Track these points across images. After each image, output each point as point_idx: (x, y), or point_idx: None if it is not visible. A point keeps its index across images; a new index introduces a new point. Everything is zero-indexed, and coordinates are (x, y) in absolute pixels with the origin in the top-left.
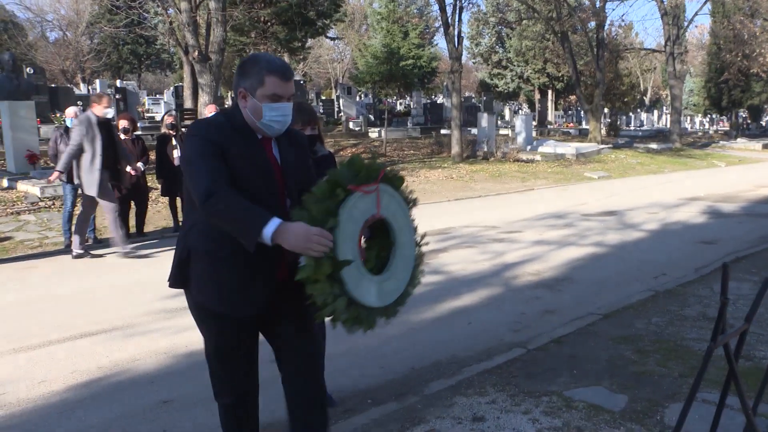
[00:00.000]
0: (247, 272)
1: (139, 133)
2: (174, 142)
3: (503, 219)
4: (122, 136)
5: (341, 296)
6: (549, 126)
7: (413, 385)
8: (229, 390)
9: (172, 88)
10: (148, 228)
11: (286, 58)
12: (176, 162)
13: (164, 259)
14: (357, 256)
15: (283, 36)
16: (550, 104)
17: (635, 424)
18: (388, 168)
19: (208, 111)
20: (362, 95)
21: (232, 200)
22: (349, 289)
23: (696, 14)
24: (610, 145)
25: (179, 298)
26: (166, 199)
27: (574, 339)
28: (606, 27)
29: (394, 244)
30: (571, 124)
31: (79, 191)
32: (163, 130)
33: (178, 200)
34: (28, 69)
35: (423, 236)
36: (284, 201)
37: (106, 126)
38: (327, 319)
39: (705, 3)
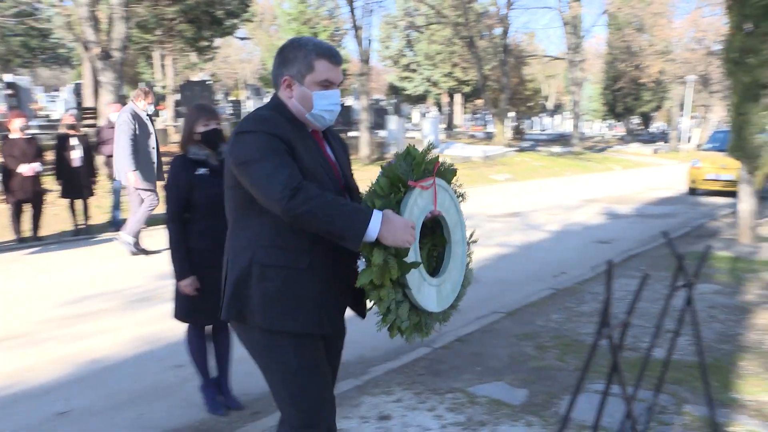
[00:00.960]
0: (330, 283)
1: (34, 132)
2: (73, 142)
3: None
4: (15, 135)
5: (403, 302)
6: (456, 129)
7: None
8: (322, 417)
9: (71, 85)
10: (45, 231)
11: (193, 57)
12: (76, 163)
13: (62, 264)
14: (419, 257)
15: (189, 35)
16: (458, 108)
17: (533, 416)
18: (441, 159)
19: (110, 110)
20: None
21: (323, 195)
22: (412, 294)
23: (594, 25)
24: (515, 148)
25: (79, 305)
26: (64, 202)
27: (478, 337)
28: (511, 34)
29: (448, 242)
30: (479, 128)
31: None
32: (62, 129)
33: (78, 203)
34: None
35: (473, 233)
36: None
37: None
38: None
39: (600, 15)
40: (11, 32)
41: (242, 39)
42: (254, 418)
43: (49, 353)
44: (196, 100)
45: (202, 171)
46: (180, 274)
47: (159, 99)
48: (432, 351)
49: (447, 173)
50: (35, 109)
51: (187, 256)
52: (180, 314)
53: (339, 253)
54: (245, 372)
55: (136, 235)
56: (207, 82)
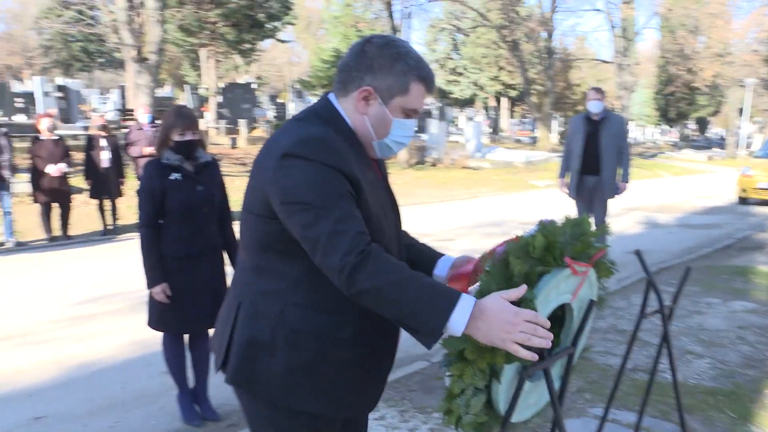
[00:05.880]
0: (375, 355)
1: (63, 132)
2: (103, 143)
3: (441, 226)
4: (44, 136)
5: (482, 393)
6: (502, 133)
7: None
8: None
9: (119, 88)
10: (75, 231)
11: (238, 60)
12: (104, 164)
13: (84, 264)
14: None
15: (231, 38)
16: (504, 112)
17: None
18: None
19: (138, 114)
20: (317, 98)
21: (400, 270)
22: (498, 390)
23: (643, 27)
24: (560, 154)
25: (88, 306)
26: (96, 202)
27: None
28: (557, 37)
29: (559, 344)
30: (526, 132)
31: (11, 191)
32: (92, 131)
33: (107, 203)
34: None
35: (587, 349)
36: (398, 239)
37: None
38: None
39: (651, 18)
40: (73, 38)
41: (283, 42)
42: (230, 430)
43: (44, 355)
44: (238, 102)
45: (175, 176)
46: (151, 280)
47: (202, 101)
48: (429, 366)
49: (603, 269)
50: (85, 111)
51: (159, 263)
52: (153, 322)
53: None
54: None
55: None
56: (251, 85)
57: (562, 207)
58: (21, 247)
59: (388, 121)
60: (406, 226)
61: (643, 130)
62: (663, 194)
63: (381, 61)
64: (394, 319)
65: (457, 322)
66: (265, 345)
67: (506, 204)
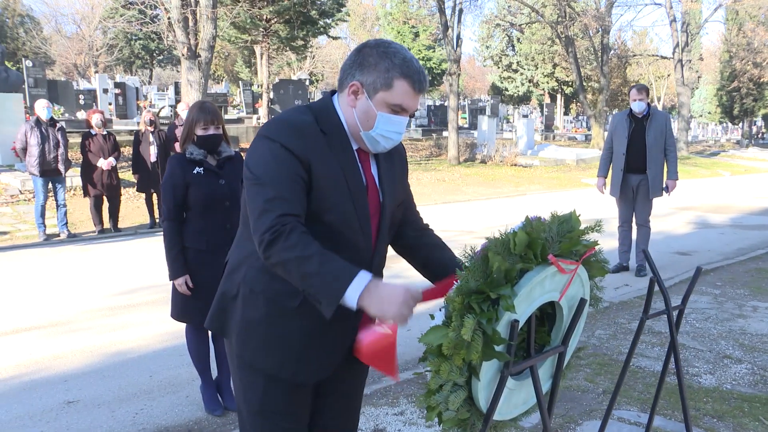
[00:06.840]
0: (321, 328)
1: (120, 128)
2: (152, 138)
3: (484, 224)
4: (95, 131)
5: (462, 389)
6: (555, 131)
7: None
8: None
9: (173, 84)
10: (125, 223)
11: (290, 56)
12: (152, 159)
13: (130, 255)
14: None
15: (284, 34)
16: (558, 109)
17: None
18: (599, 247)
19: (180, 110)
20: None
21: (306, 247)
22: (478, 387)
23: (706, 21)
24: None
25: (127, 296)
26: (143, 195)
27: None
28: (613, 33)
29: (548, 344)
30: (580, 130)
31: (50, 185)
32: (141, 126)
33: (155, 196)
34: (27, 62)
35: (581, 349)
36: (376, 236)
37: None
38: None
39: (716, 10)
40: (135, 37)
41: (334, 38)
42: None
43: (81, 342)
44: (289, 98)
45: (198, 170)
46: (173, 272)
47: (255, 97)
48: None
49: (595, 267)
50: (143, 107)
51: (180, 255)
52: (175, 313)
53: None
54: None
55: None
56: (303, 81)
57: (612, 205)
58: (73, 238)
59: (373, 115)
60: (450, 223)
61: (704, 128)
62: (719, 194)
63: (370, 60)
64: (302, 288)
65: (352, 296)
66: (231, 298)
67: (554, 202)
